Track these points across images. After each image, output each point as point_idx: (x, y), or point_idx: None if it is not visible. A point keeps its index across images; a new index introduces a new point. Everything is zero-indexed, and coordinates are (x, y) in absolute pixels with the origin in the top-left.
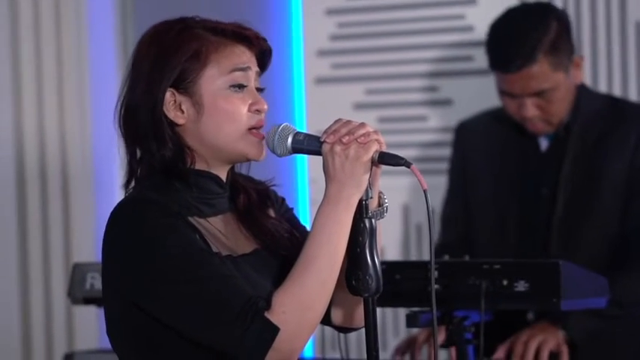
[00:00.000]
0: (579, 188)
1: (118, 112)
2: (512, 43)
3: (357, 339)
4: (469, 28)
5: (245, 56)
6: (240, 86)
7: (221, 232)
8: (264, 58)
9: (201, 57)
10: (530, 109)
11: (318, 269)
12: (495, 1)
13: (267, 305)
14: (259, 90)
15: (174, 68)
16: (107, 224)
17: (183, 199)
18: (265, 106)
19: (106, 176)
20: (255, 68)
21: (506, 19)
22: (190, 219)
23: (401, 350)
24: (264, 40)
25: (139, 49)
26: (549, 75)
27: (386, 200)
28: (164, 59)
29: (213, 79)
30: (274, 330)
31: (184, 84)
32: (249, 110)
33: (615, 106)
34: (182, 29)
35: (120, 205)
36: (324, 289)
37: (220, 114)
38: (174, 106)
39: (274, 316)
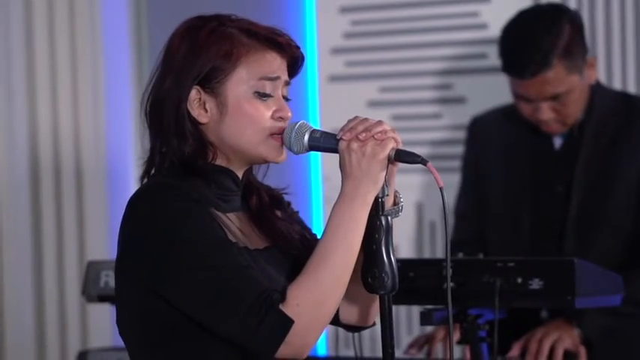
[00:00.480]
0: (593, 186)
1: (145, 101)
2: (526, 49)
3: (370, 336)
4: (483, 26)
5: (275, 63)
6: (266, 95)
7: (237, 226)
8: (295, 65)
9: (232, 58)
10: (546, 113)
11: (333, 265)
12: None
13: (282, 298)
14: (285, 100)
15: (204, 66)
16: (125, 210)
17: (201, 193)
18: (289, 114)
19: (119, 174)
20: (284, 77)
21: (518, 22)
22: (210, 209)
23: (419, 343)
24: (297, 47)
25: (171, 41)
26: (564, 79)
27: (402, 199)
28: (194, 56)
29: (240, 82)
30: (288, 322)
31: (211, 83)
32: (272, 117)
33: (629, 102)
34: (216, 27)
35: (139, 192)
36: (338, 285)
37: (244, 117)
38: (198, 104)
39: (288, 308)
